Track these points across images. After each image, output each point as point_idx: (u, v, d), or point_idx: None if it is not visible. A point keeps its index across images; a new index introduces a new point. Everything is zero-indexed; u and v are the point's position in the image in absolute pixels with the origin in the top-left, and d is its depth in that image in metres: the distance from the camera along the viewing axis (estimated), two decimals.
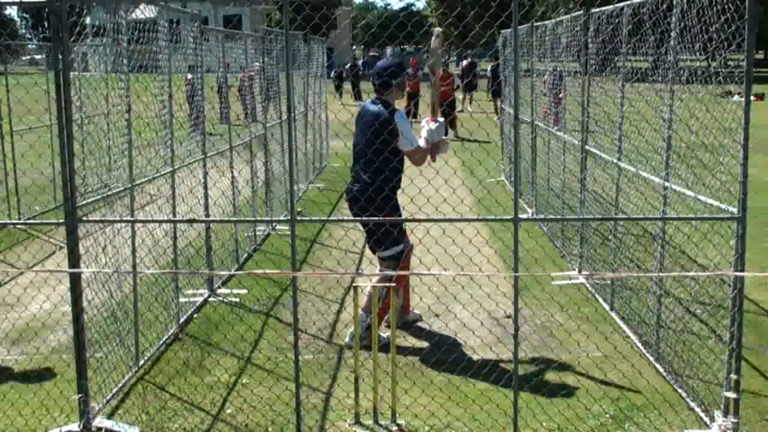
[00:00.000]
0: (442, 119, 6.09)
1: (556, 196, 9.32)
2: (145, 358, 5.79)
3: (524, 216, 6.01)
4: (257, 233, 9.57)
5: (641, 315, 6.17)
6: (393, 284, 5.54)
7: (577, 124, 8.00)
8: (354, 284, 5.12)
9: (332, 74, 32.35)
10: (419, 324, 6.59)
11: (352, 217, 6.23)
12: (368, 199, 5.88)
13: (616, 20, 6.60)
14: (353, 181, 6.21)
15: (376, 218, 5.48)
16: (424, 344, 6.17)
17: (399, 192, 6.19)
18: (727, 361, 4.51)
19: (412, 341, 6.24)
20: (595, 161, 7.51)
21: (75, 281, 4.54)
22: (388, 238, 6.05)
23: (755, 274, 6.70)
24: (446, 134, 6.13)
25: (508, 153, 13.39)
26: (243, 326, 6.48)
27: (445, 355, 5.91)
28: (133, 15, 5.67)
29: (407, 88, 17.50)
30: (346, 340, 6.19)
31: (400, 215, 6.16)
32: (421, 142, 6.06)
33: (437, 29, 6.10)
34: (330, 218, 5.60)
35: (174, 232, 6.48)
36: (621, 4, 6.40)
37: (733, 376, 4.43)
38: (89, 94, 10.49)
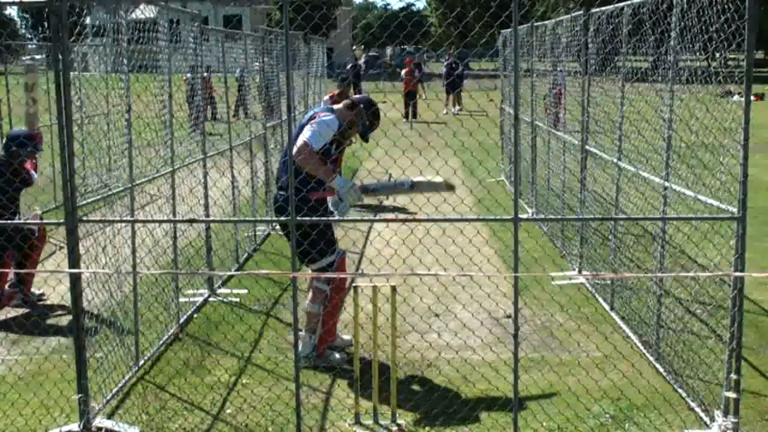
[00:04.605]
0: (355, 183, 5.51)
1: (556, 196, 9.32)
2: (145, 358, 5.79)
3: (524, 216, 6.01)
4: (257, 233, 9.57)
5: (641, 315, 6.17)
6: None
7: (577, 124, 8.00)
8: (354, 284, 5.12)
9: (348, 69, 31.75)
10: (420, 324, 6.57)
11: (351, 218, 6.19)
12: (286, 203, 5.27)
13: (616, 20, 6.61)
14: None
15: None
16: (424, 344, 6.17)
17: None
18: (727, 361, 4.51)
19: (412, 341, 6.24)
20: (595, 161, 7.51)
21: (75, 281, 4.54)
22: (315, 249, 5.43)
23: (755, 274, 6.70)
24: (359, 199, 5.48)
25: (508, 153, 13.39)
26: (243, 326, 6.47)
27: (445, 355, 5.91)
28: (133, 15, 5.67)
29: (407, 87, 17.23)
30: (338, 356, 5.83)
31: (323, 215, 5.43)
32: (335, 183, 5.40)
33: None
34: (330, 218, 5.60)
35: (174, 232, 6.49)
36: (621, 4, 6.40)
37: (733, 376, 4.43)
38: (89, 94, 10.53)
